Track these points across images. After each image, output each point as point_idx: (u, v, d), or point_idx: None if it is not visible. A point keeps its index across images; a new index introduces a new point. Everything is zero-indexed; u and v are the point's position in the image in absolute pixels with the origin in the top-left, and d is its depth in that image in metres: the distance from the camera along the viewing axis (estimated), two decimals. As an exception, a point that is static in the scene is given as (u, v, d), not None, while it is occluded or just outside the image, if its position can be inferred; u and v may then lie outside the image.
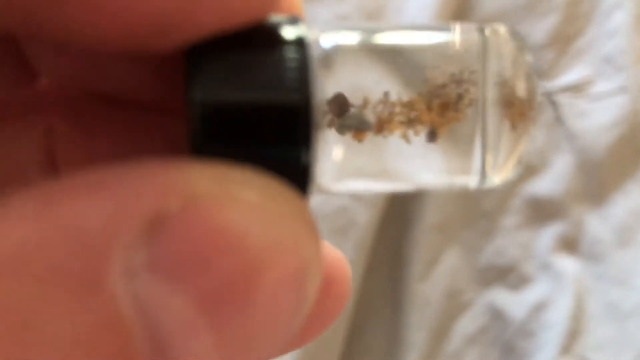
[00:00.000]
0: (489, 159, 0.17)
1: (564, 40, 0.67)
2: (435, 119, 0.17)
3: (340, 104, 0.16)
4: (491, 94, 0.17)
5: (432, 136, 0.17)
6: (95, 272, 0.12)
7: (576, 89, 0.66)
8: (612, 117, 0.65)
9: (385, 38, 0.17)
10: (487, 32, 0.17)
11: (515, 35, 0.17)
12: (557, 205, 0.66)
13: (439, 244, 0.66)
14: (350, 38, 0.17)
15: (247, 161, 0.14)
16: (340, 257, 0.22)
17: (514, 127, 0.17)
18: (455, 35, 0.17)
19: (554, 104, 0.66)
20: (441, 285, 0.66)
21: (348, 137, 0.17)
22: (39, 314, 0.12)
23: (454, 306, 0.66)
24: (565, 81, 0.67)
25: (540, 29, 0.67)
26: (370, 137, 0.17)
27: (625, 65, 0.65)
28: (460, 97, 0.17)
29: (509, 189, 0.66)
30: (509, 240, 0.66)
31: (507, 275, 0.66)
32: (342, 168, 0.17)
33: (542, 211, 0.66)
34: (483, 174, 0.17)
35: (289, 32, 0.16)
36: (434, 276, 0.66)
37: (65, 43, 0.16)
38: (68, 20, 0.14)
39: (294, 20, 0.16)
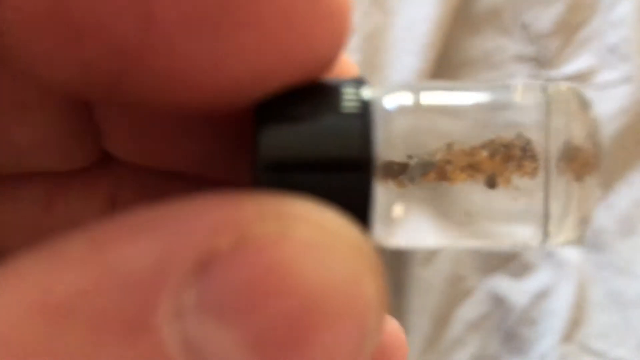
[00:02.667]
0: (552, 215, 0.17)
1: (569, 30, 0.68)
2: (496, 167, 0.17)
3: (399, 169, 0.17)
4: (555, 150, 0.17)
5: (491, 182, 0.17)
6: (142, 314, 0.12)
7: (581, 78, 0.67)
8: (617, 106, 0.66)
9: (447, 98, 0.18)
10: (551, 90, 0.17)
11: (578, 93, 0.18)
12: None
13: None
14: (412, 98, 0.17)
15: (308, 193, 0.15)
16: (398, 329, 0.22)
17: (577, 182, 0.17)
18: (518, 93, 0.18)
19: (558, 93, 0.67)
20: (444, 271, 0.67)
21: (410, 189, 0.17)
22: (89, 358, 0.12)
23: (456, 292, 0.67)
24: (570, 70, 0.68)
25: (545, 18, 0.69)
26: (432, 186, 0.17)
27: (630, 55, 0.66)
28: (524, 151, 0.17)
29: None
30: None
31: (510, 262, 0.67)
32: (401, 224, 0.17)
33: None
34: (546, 232, 0.17)
35: (356, 92, 0.16)
36: (437, 262, 0.67)
37: (143, 109, 0.17)
38: (155, 87, 0.15)
39: (360, 81, 0.17)
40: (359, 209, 0.16)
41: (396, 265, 0.67)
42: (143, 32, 0.14)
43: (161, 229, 0.13)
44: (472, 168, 0.17)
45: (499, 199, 0.17)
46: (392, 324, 0.22)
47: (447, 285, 0.66)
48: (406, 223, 0.17)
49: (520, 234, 0.18)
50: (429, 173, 0.17)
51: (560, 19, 0.68)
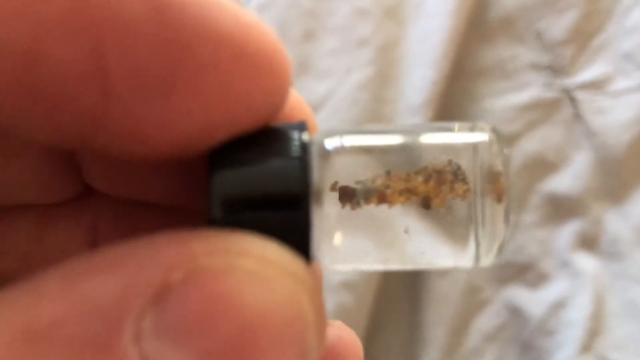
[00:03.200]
0: (481, 234, 0.19)
1: (584, 37, 0.68)
2: (430, 190, 0.19)
3: (347, 192, 0.19)
4: (479, 176, 0.19)
5: (426, 203, 0.19)
6: (109, 338, 0.14)
7: (596, 85, 0.67)
8: (632, 114, 0.65)
9: (386, 139, 0.20)
10: (477, 128, 0.20)
11: (498, 132, 0.19)
12: (576, 203, 0.67)
13: None
14: (354, 140, 0.19)
15: (254, 229, 0.17)
16: (353, 336, 0.24)
17: (498, 203, 0.19)
18: (453, 132, 0.20)
19: (573, 101, 0.67)
20: (460, 282, 0.67)
21: (357, 212, 0.19)
22: None
23: (472, 303, 0.67)
24: (585, 78, 0.67)
25: (559, 26, 0.69)
26: (371, 212, 0.19)
27: (645, 63, 0.65)
28: (455, 175, 0.19)
29: (528, 185, 0.67)
30: (528, 238, 0.67)
31: (526, 272, 0.66)
32: (343, 250, 0.19)
33: (561, 208, 0.67)
34: (477, 248, 0.19)
35: (296, 137, 0.18)
36: (453, 273, 0.67)
37: (113, 157, 0.19)
38: (119, 142, 0.17)
39: (302, 126, 0.19)
40: (298, 241, 0.18)
41: (412, 277, 0.67)
42: (103, 102, 0.16)
43: (124, 266, 0.15)
44: (409, 192, 0.19)
45: (435, 218, 0.19)
46: (347, 332, 0.24)
47: (463, 296, 0.66)
48: (345, 249, 0.19)
49: (453, 253, 0.20)
50: (371, 197, 0.19)
51: (574, 26, 0.68)
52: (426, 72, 0.68)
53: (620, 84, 0.66)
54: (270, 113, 0.18)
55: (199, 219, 0.18)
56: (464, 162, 0.19)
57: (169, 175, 0.22)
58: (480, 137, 0.19)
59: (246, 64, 0.17)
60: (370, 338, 0.67)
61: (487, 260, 0.19)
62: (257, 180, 0.18)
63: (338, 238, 0.19)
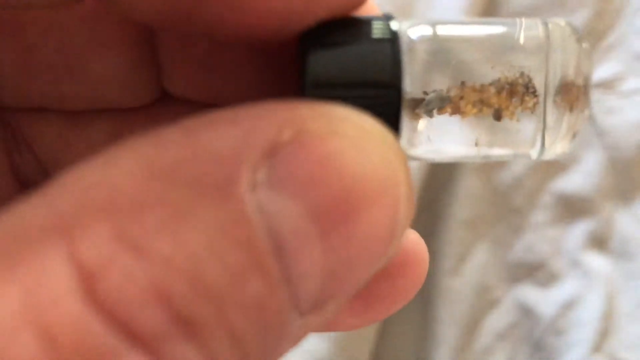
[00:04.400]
0: (548, 137, 0.20)
1: (594, 36, 0.68)
2: (502, 103, 0.19)
3: (415, 103, 0.19)
4: (553, 82, 0.19)
5: (497, 115, 0.19)
6: (228, 183, 0.15)
7: (606, 85, 0.67)
8: None
9: (460, 30, 0.20)
10: (550, 25, 0.20)
11: (574, 28, 0.20)
12: (587, 202, 0.67)
13: (469, 240, 0.68)
14: (431, 30, 0.20)
15: (349, 103, 0.17)
16: (419, 239, 0.24)
17: (571, 110, 0.20)
18: (521, 29, 0.20)
19: (584, 100, 0.67)
20: (471, 280, 0.67)
21: (429, 114, 0.20)
22: (188, 209, 0.14)
23: (483, 302, 0.67)
24: (596, 77, 0.67)
25: (570, 25, 0.69)
26: (447, 116, 0.20)
27: (657, 62, 0.66)
28: (526, 86, 0.19)
29: (539, 184, 0.68)
30: (539, 237, 0.67)
31: (537, 272, 0.67)
32: (424, 136, 0.20)
33: (572, 208, 0.67)
34: (542, 148, 0.20)
35: (385, 24, 0.19)
36: (464, 271, 0.68)
37: (206, 36, 0.21)
38: (210, 19, 0.18)
39: (388, 17, 0.20)
40: (390, 117, 0.19)
41: None
42: None
43: (240, 122, 0.15)
44: (481, 103, 0.19)
45: (506, 128, 0.20)
46: (414, 236, 0.24)
47: (474, 295, 0.67)
48: (428, 134, 0.20)
49: (522, 149, 0.20)
50: (445, 107, 0.19)
51: (585, 26, 0.68)
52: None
53: (631, 83, 0.66)
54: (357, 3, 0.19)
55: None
56: (536, 64, 0.20)
57: (253, 74, 0.23)
58: (554, 38, 0.20)
59: None
60: (381, 336, 0.67)
61: (554, 151, 0.21)
62: (350, 60, 0.18)
63: (422, 124, 0.20)
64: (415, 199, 0.64)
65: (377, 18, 0.19)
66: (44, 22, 0.22)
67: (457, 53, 0.20)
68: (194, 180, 0.15)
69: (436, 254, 0.68)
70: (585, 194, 0.67)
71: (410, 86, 0.19)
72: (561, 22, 0.20)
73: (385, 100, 0.19)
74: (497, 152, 0.20)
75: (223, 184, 0.15)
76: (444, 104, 0.20)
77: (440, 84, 0.19)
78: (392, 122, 0.19)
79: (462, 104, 0.19)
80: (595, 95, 0.67)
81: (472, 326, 0.67)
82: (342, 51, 0.19)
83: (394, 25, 0.19)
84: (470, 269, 0.68)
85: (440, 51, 0.20)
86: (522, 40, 0.20)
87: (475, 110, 0.20)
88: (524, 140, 0.20)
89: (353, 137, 0.16)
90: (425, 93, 0.19)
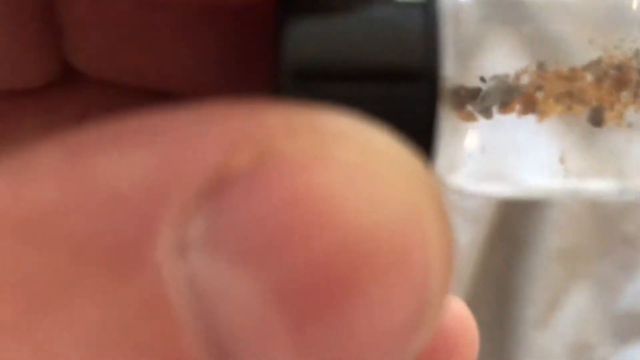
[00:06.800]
0: None
1: None
2: (604, 98, 0.16)
3: (473, 92, 0.16)
4: None
5: (597, 117, 0.16)
6: (136, 244, 0.11)
7: None
8: None
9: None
10: None
11: None
12: None
13: (563, 279, 0.64)
14: None
15: (350, 107, 0.14)
16: (466, 311, 0.22)
17: None
18: None
19: None
20: (565, 336, 0.63)
21: (482, 123, 0.16)
22: (63, 293, 0.11)
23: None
24: None
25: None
26: (514, 118, 0.16)
27: None
28: None
29: None
30: None
31: None
32: (476, 150, 0.17)
33: None
34: None
35: None
36: (556, 323, 0.63)
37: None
38: None
39: None
40: (418, 130, 0.15)
41: (501, 324, 0.63)
42: None
43: (160, 139, 0.12)
44: (571, 97, 0.16)
45: (607, 140, 0.16)
46: (457, 304, 0.22)
47: (569, 355, 0.62)
48: (483, 146, 0.17)
49: (635, 177, 0.17)
50: (511, 102, 0.16)
51: None
52: None
53: None
54: None
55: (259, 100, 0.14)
56: None
57: (195, 47, 0.20)
58: None
59: None
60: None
61: None
62: (356, 35, 0.15)
63: (475, 130, 0.16)
64: (493, 221, 0.62)
65: None
66: None
67: (533, 19, 0.16)
68: (79, 241, 0.11)
69: (518, 295, 0.63)
70: None
71: (455, 70, 0.16)
72: None
73: (411, 98, 0.15)
74: (594, 182, 0.17)
75: (126, 248, 0.11)
76: (511, 96, 0.16)
77: (505, 66, 0.16)
78: (423, 134, 0.15)
79: (539, 97, 0.16)
80: None
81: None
82: (342, 20, 0.15)
83: None
84: (563, 319, 0.63)
85: (506, 16, 0.16)
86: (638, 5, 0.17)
87: (560, 108, 0.16)
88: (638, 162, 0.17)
89: (352, 164, 0.12)
90: (482, 80, 0.16)
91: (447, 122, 0.15)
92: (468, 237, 0.59)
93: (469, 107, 0.16)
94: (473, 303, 0.60)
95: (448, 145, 0.16)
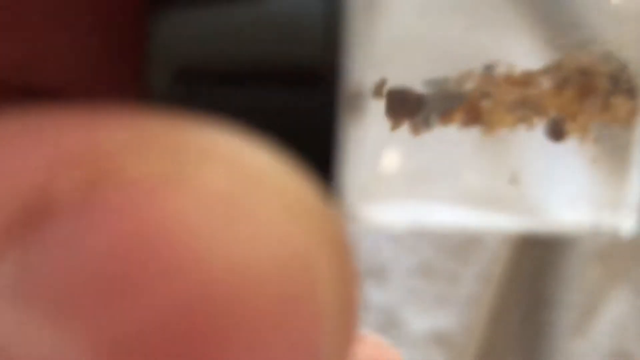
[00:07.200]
0: None
1: None
2: (565, 107, 0.15)
3: (405, 100, 0.15)
4: None
5: (556, 130, 0.15)
6: None
7: None
8: None
9: None
10: None
11: None
12: None
13: (601, 282, 0.62)
14: None
15: (229, 115, 0.13)
16: (382, 347, 0.21)
17: None
18: None
19: None
20: (604, 343, 0.62)
21: (404, 137, 0.15)
22: None
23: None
24: None
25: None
26: (448, 140, 0.15)
27: None
28: (614, 82, 0.15)
29: None
30: None
31: None
32: (396, 181, 0.15)
33: None
34: None
35: None
36: (594, 329, 0.62)
37: None
38: None
39: None
40: (316, 146, 0.14)
41: (532, 330, 0.62)
42: None
43: None
44: (526, 106, 0.15)
45: (568, 157, 0.15)
46: (386, 353, 0.21)
47: None
48: (404, 183, 0.15)
49: (600, 217, 0.16)
50: (453, 111, 0.15)
51: None
52: None
53: None
54: None
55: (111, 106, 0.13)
56: (634, 53, 0.15)
57: (55, 33, 0.16)
58: None
59: None
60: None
61: None
62: (238, 27, 0.13)
63: (391, 159, 0.15)
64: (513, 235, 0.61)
65: None
66: None
67: (478, 11, 0.15)
68: None
69: (552, 300, 0.62)
70: None
71: (370, 71, 0.14)
72: None
73: (306, 106, 0.13)
74: (556, 213, 0.16)
75: None
76: (453, 104, 0.15)
77: (445, 68, 0.15)
78: (322, 152, 0.13)
79: (487, 105, 0.15)
80: None
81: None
82: (221, 12, 0.13)
83: None
84: (601, 326, 0.62)
85: (444, 6, 0.15)
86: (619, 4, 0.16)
87: (512, 119, 0.15)
88: (608, 188, 0.15)
89: (217, 191, 0.11)
90: (427, 86, 0.15)
91: (358, 134, 0.14)
92: (498, 236, 0.58)
93: (398, 117, 0.14)
94: (503, 305, 0.61)
95: (359, 166, 0.14)
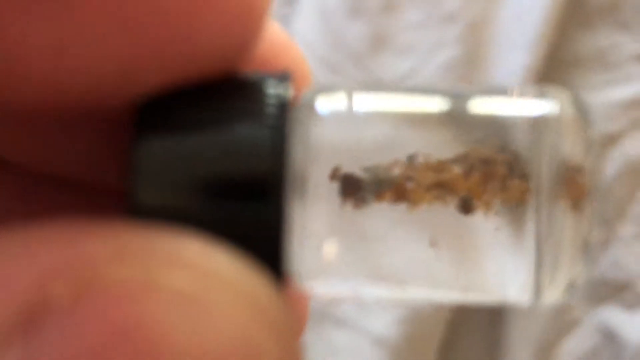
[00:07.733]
0: (545, 256, 0.16)
1: None
2: (472, 188, 0.16)
3: (351, 183, 0.16)
4: (547, 171, 0.16)
5: (466, 206, 0.16)
6: None
7: None
8: None
9: (412, 104, 0.17)
10: (548, 99, 0.16)
11: (578, 104, 0.16)
12: None
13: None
14: (366, 102, 0.16)
15: (195, 225, 0.14)
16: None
17: (573, 211, 0.16)
18: (509, 102, 0.16)
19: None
20: None
21: (348, 212, 0.16)
22: None
23: (561, 323, 0.64)
24: None
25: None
26: (383, 214, 0.16)
27: None
28: (510, 168, 0.16)
29: (629, 193, 0.64)
30: (627, 253, 0.63)
31: (623, 292, 0.63)
32: (336, 266, 0.16)
33: None
34: (538, 281, 0.16)
35: (271, 92, 0.15)
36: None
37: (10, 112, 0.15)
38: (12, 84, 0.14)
39: (284, 77, 0.16)
40: (264, 247, 0.15)
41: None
42: None
43: None
44: (440, 187, 0.16)
45: (475, 227, 0.16)
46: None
47: (550, 314, 0.63)
48: (340, 265, 0.16)
49: (502, 282, 0.16)
50: (385, 191, 0.16)
51: None
52: (519, 56, 0.66)
53: None
54: (232, 51, 0.15)
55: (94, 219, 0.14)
56: (524, 146, 0.16)
57: (90, 141, 0.18)
58: (551, 108, 0.16)
59: None
60: (445, 354, 0.64)
61: (552, 295, 0.16)
62: (203, 151, 0.14)
63: (331, 247, 0.16)
64: None
65: (263, 80, 0.15)
66: None
67: (400, 130, 0.16)
68: None
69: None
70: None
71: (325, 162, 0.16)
72: (563, 95, 0.16)
73: (258, 216, 0.15)
74: (469, 284, 0.16)
75: None
76: (385, 186, 0.16)
77: (378, 158, 0.16)
78: (271, 250, 0.15)
79: (411, 186, 0.16)
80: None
81: (546, 350, 0.63)
82: (190, 136, 0.14)
83: (286, 92, 0.15)
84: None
85: (366, 128, 0.16)
86: (509, 115, 0.16)
87: (430, 197, 0.16)
88: (506, 253, 0.16)
89: (184, 293, 0.11)
90: (366, 172, 0.16)
91: (305, 218, 0.15)
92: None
93: (346, 195, 0.16)
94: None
95: (305, 252, 0.15)
